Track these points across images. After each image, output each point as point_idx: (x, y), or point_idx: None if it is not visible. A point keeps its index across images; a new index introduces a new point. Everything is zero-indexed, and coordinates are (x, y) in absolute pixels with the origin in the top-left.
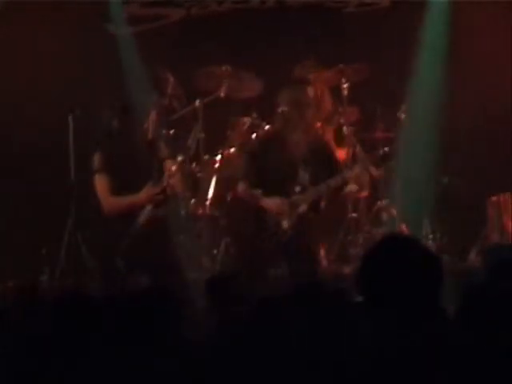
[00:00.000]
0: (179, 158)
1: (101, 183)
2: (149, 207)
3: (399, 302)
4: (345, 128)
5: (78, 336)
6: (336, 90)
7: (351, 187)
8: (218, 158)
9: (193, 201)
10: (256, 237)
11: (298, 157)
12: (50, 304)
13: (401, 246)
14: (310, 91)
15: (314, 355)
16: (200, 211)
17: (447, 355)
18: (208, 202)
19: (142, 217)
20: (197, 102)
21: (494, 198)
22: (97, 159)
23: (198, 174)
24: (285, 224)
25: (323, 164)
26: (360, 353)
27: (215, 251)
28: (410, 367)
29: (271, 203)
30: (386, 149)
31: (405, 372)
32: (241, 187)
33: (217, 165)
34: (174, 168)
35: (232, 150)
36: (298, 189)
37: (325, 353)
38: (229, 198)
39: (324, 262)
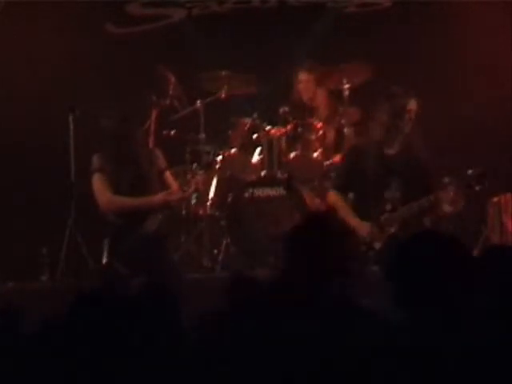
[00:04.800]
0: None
1: (100, 181)
2: (160, 216)
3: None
4: (346, 129)
5: (77, 336)
6: (337, 91)
7: (446, 208)
8: (219, 158)
9: (194, 201)
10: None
11: (392, 170)
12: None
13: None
14: (413, 104)
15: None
16: (201, 211)
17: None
18: (209, 203)
19: (152, 224)
20: (198, 103)
21: (494, 199)
22: (96, 160)
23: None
24: (376, 245)
25: (416, 179)
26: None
27: (215, 251)
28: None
29: (362, 227)
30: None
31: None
32: (332, 196)
33: (218, 165)
34: (199, 177)
35: (233, 150)
36: (388, 207)
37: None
38: (229, 199)
39: None
